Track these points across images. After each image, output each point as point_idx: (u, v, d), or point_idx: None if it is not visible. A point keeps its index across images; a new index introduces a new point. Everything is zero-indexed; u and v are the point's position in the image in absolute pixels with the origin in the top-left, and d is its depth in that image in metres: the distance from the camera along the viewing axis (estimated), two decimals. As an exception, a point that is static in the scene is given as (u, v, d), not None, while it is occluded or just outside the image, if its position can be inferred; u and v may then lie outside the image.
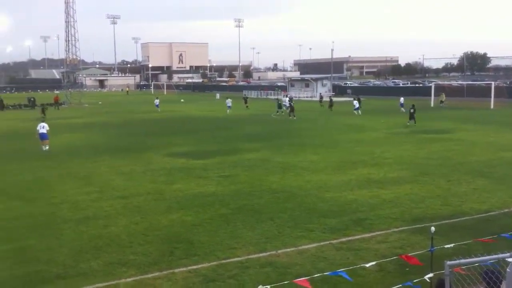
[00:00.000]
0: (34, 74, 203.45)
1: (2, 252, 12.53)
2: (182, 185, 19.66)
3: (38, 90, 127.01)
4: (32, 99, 73.57)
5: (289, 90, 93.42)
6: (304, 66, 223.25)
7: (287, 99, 58.50)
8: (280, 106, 53.21)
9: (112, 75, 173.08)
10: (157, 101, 63.36)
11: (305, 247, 12.54)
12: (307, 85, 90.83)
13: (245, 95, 70.18)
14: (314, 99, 76.44)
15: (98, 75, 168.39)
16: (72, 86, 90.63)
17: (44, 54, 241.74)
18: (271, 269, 11.14)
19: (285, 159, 25.21)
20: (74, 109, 67.91)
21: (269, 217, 15.09)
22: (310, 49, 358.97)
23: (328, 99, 60.07)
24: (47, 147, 29.65)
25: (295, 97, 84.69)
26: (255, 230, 13.89)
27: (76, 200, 17.60)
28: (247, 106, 61.36)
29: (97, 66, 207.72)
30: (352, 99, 59.03)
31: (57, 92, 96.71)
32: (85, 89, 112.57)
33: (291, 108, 48.16)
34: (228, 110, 55.82)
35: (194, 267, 11.36)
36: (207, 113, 56.67)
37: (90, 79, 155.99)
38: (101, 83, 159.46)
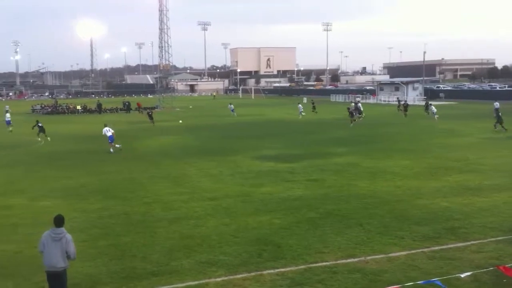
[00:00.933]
0: (129, 79, 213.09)
1: (100, 248, 13.19)
2: (270, 188, 19.81)
3: (133, 95, 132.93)
4: (127, 103, 77.05)
5: (378, 94, 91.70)
6: (394, 69, 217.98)
7: (355, 103, 57.83)
8: (359, 110, 52.27)
9: (202, 80, 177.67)
10: (231, 106, 63.49)
11: (395, 255, 12.22)
12: (397, 89, 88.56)
13: (312, 100, 69.23)
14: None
15: (189, 80, 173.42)
16: (165, 91, 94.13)
17: (139, 60, 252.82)
18: (360, 276, 10.95)
19: (373, 164, 24.74)
20: (166, 113, 70.28)
21: (358, 222, 14.86)
22: (401, 52, 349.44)
23: (403, 103, 57.76)
24: (118, 145, 31.53)
25: (385, 101, 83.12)
26: (344, 235, 13.72)
27: (168, 200, 18.23)
28: (315, 111, 60.18)
29: (188, 71, 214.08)
30: (427, 103, 56.38)
31: (152, 96, 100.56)
32: (176, 94, 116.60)
33: (351, 114, 46.47)
34: (300, 115, 55.44)
35: (282, 270, 11.39)
36: (293, 117, 56.64)
37: (182, 84, 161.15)
38: (192, 88, 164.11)
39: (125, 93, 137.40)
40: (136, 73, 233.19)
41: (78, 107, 75.55)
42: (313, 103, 63.19)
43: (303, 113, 55.72)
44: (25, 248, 13.00)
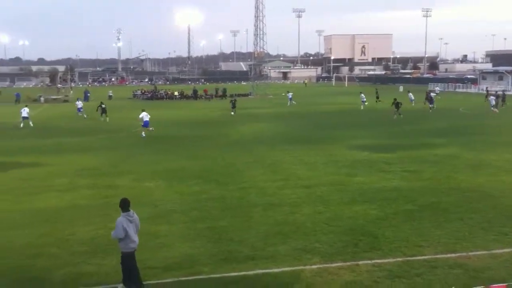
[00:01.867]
0: (224, 66, 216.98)
1: (199, 230, 13.66)
2: (365, 178, 19.53)
3: (227, 82, 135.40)
4: (222, 90, 78.58)
5: (480, 83, 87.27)
6: (498, 58, 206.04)
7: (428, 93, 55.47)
8: (431, 101, 49.84)
9: (295, 67, 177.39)
10: (289, 95, 62.54)
11: (499, 252, 11.69)
12: (500, 78, 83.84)
13: (376, 88, 66.26)
14: (509, 93, 70.15)
15: (282, 68, 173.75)
16: (258, 78, 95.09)
17: (233, 47, 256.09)
18: (461, 272, 10.58)
19: (475, 156, 23.67)
20: (260, 100, 71.07)
21: (458, 217, 14.31)
22: (505, 39, 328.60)
23: (492, 95, 54.00)
24: (151, 128, 34.04)
25: (486, 90, 78.88)
26: (443, 229, 13.28)
27: (263, 186, 18.49)
28: (378, 100, 57.75)
29: (281, 58, 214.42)
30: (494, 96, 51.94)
31: (245, 83, 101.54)
32: (269, 81, 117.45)
33: (396, 105, 43.44)
34: (362, 106, 53.85)
35: (379, 261, 11.25)
36: (387, 106, 55.14)
37: (275, 71, 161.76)
38: (285, 75, 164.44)
39: (220, 80, 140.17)
40: (230, 60, 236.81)
41: (176, 93, 78.09)
42: (376, 92, 61.16)
43: (366, 103, 54.29)
44: (130, 227, 13.67)
